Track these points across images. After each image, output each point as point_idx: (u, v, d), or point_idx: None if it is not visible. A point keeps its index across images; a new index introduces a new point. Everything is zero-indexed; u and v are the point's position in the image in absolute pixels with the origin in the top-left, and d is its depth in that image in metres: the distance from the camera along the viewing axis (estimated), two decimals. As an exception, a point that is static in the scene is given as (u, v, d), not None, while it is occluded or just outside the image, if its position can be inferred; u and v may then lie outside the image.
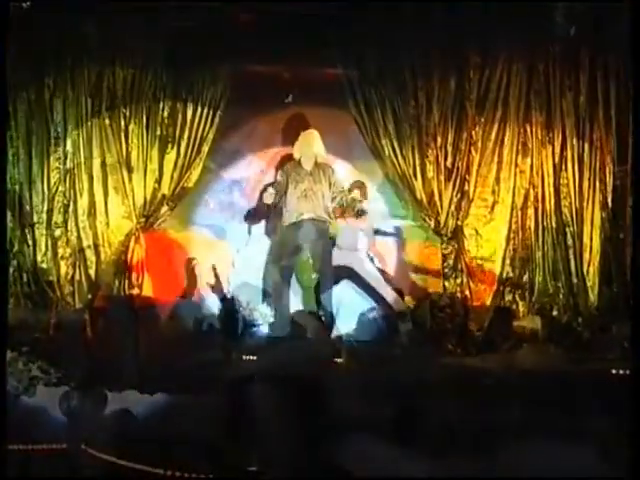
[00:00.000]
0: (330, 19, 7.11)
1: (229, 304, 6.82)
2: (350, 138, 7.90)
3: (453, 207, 7.78)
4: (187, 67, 7.56)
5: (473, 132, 7.76)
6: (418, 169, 7.75)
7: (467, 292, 7.70)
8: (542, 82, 7.74)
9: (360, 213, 7.35)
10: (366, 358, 5.81)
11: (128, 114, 7.59)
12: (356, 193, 7.50)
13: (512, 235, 7.82)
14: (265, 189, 7.44)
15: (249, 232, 7.78)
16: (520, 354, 6.20)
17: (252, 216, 7.80)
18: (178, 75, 7.58)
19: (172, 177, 7.61)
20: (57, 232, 7.61)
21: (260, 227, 7.88)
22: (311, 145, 7.38)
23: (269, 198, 7.25)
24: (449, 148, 7.76)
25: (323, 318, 7.17)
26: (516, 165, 7.82)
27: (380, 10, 7.21)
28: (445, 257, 7.76)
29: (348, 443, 2.34)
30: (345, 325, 7.15)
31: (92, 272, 7.58)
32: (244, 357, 5.80)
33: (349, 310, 7.34)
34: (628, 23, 5.46)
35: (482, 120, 7.77)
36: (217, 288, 7.62)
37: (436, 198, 7.77)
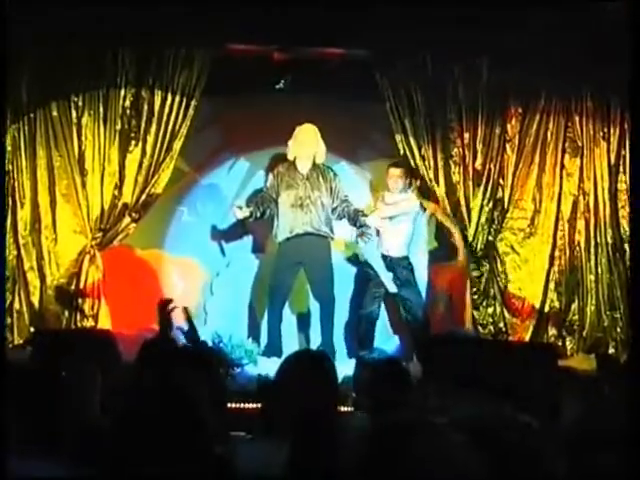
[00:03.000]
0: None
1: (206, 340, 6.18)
2: (355, 134, 7.45)
3: (484, 218, 7.23)
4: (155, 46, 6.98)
5: (508, 126, 7.20)
6: (440, 172, 7.20)
7: (501, 324, 7.21)
8: (594, 62, 6.97)
9: (361, 227, 6.83)
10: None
11: (81, 104, 6.97)
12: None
13: (557, 253, 7.29)
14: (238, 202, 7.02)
15: (222, 252, 7.27)
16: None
17: (224, 233, 7.27)
18: (143, 55, 6.97)
19: (136, 181, 7.02)
20: (-8, 250, 7.13)
21: (246, 244, 7.35)
22: (308, 143, 6.75)
23: (240, 213, 6.75)
24: (479, 146, 7.20)
25: (322, 354, 6.23)
26: (562, 167, 7.28)
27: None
28: (474, 281, 7.23)
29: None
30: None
31: (35, 300, 6.99)
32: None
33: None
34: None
35: (519, 111, 7.21)
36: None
37: (463, 208, 7.23)
